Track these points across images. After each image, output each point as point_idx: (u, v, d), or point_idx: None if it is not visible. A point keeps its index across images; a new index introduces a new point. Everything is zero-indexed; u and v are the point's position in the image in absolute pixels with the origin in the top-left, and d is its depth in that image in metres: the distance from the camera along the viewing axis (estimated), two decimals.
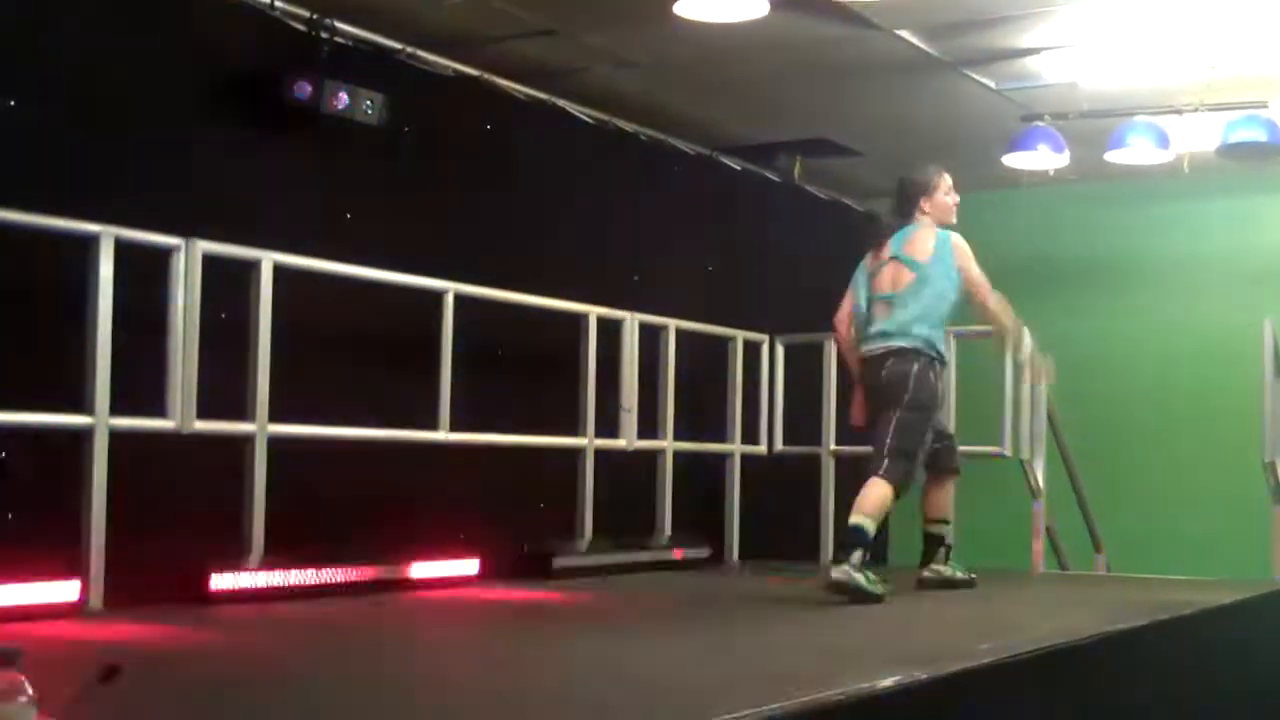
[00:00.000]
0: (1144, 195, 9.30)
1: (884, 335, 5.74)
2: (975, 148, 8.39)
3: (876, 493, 5.50)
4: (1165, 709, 4.94)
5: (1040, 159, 7.74)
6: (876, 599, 5.34)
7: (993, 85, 7.36)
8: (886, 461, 5.55)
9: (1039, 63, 7.01)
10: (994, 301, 5.97)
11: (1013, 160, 7.87)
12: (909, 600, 5.71)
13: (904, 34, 6.61)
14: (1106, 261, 9.58)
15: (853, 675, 3.33)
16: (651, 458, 7.46)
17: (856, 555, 5.37)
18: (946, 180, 6.10)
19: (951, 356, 7.45)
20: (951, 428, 6.76)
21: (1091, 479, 8.22)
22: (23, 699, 2.11)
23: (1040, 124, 7.63)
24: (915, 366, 5.69)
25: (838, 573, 5.38)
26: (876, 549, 5.87)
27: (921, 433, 5.67)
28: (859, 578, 5.33)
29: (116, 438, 4.85)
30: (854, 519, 5.46)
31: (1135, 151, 7.53)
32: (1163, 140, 7.39)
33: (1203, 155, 7.63)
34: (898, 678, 3.35)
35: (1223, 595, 5.75)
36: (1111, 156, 7.65)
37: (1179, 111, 7.34)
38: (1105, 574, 7.98)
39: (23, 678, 2.13)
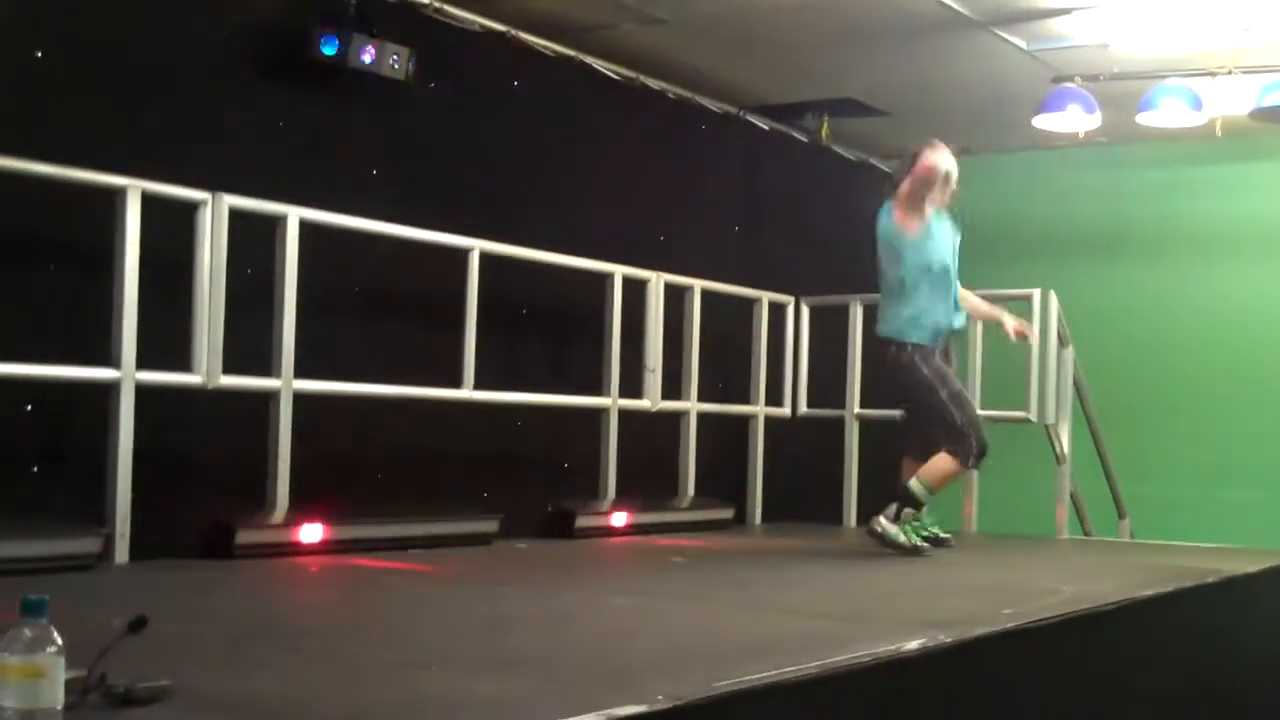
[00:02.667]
0: (1175, 158, 9.20)
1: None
2: (1005, 109, 8.33)
3: (937, 463, 5.86)
4: (1189, 675, 4.93)
5: (1070, 120, 7.65)
6: (908, 551, 5.73)
7: (1023, 45, 7.28)
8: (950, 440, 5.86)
9: (1070, 23, 6.93)
10: None
11: (1043, 122, 7.80)
12: (934, 565, 5.71)
13: None
14: (1136, 225, 9.49)
15: (877, 639, 3.33)
16: (675, 419, 7.46)
17: (892, 508, 5.81)
18: (944, 164, 6.01)
19: (977, 321, 7.45)
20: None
21: (1117, 445, 8.18)
22: (51, 649, 2.12)
23: (1071, 85, 7.55)
24: (901, 358, 5.94)
25: (873, 522, 5.84)
26: None
27: (960, 407, 5.88)
28: (891, 528, 5.75)
29: (143, 392, 4.86)
30: (909, 481, 5.88)
31: (1167, 114, 7.44)
32: (1195, 103, 7.30)
33: (1236, 118, 7.54)
34: (922, 641, 3.35)
35: (1248, 563, 5.73)
36: (1143, 119, 7.56)
37: (1212, 74, 7.25)
38: (1129, 540, 7.96)
39: (51, 628, 2.13)
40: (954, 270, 6.10)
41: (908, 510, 5.83)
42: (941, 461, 5.85)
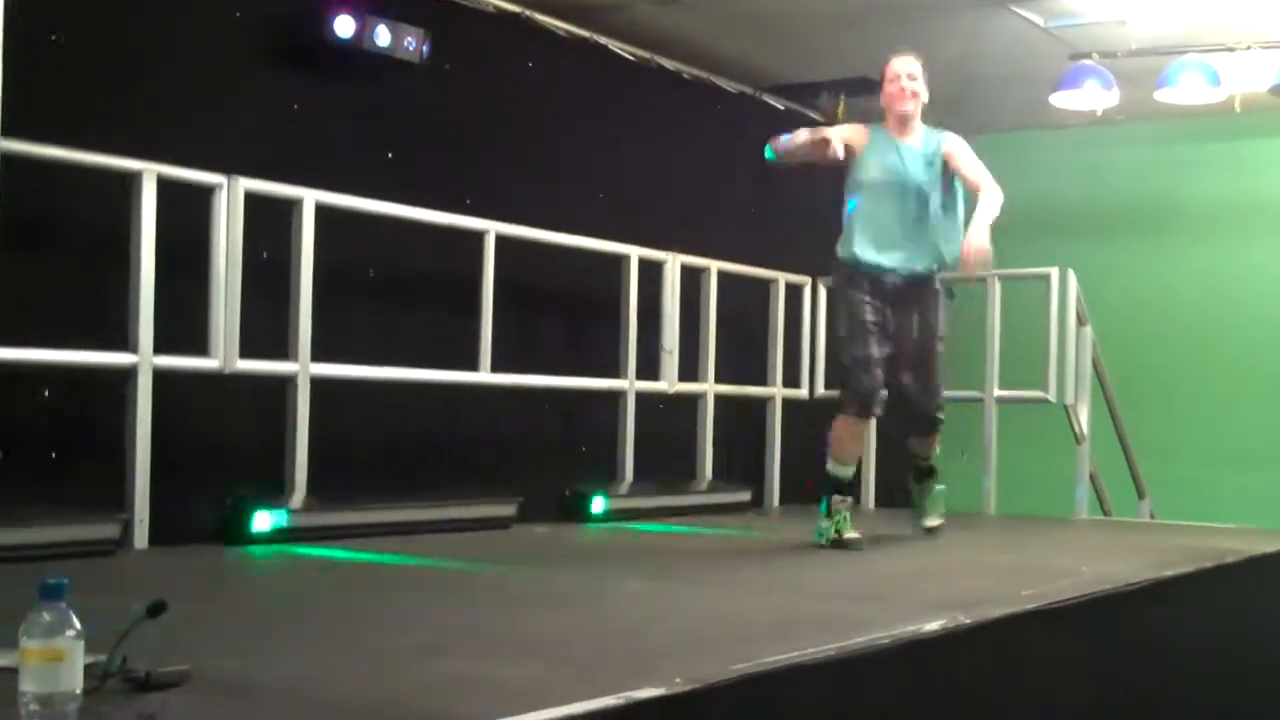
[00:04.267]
0: (1194, 135, 9.14)
1: None
2: (1023, 86, 8.27)
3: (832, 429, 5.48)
4: (1210, 655, 4.91)
5: (1088, 98, 7.60)
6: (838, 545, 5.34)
7: (1041, 22, 7.23)
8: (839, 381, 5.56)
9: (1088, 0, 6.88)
10: None
11: (1060, 99, 7.75)
12: (951, 547, 5.69)
13: None
14: (1155, 203, 9.43)
15: (897, 620, 3.32)
16: (692, 401, 7.44)
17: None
18: (891, 66, 5.46)
19: (996, 301, 7.42)
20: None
21: (1136, 425, 8.14)
22: (70, 633, 2.12)
23: (1088, 62, 7.50)
24: (832, 278, 5.59)
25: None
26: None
27: (841, 355, 5.43)
28: (822, 524, 5.41)
29: (160, 377, 4.86)
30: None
31: (1186, 90, 7.39)
32: (1214, 79, 7.25)
33: (1255, 94, 7.49)
34: (942, 622, 3.33)
35: (1267, 544, 5.69)
36: (1161, 95, 7.52)
37: (1230, 49, 7.20)
38: (1149, 521, 7.93)
39: (70, 612, 2.13)
40: (907, 202, 5.38)
41: (835, 497, 5.38)
42: (834, 423, 5.43)
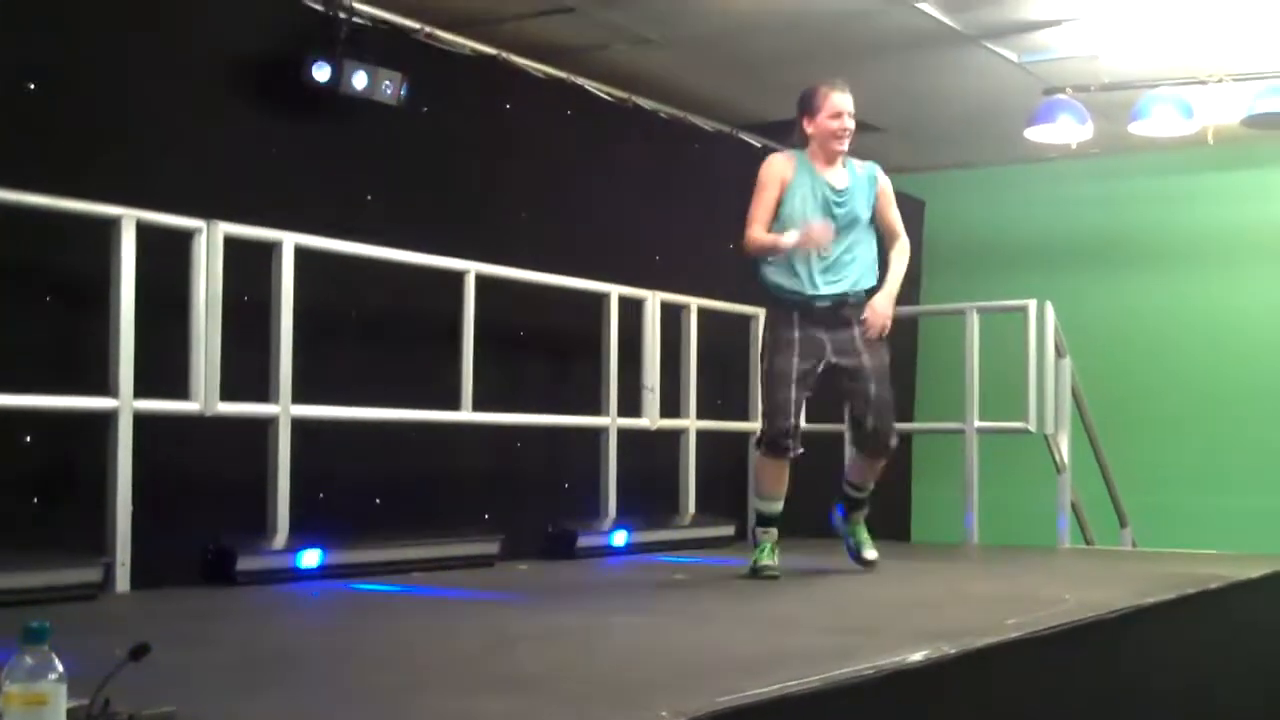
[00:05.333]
0: (1168, 167, 9.23)
1: None
2: (997, 121, 8.36)
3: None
4: (1194, 682, 4.92)
5: (1062, 132, 7.68)
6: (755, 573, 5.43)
7: (1014, 58, 7.31)
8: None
9: (1060, 35, 6.96)
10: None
11: (1035, 134, 7.82)
12: (935, 577, 5.70)
13: (924, 7, 6.57)
14: (1131, 235, 9.51)
15: (882, 651, 3.32)
16: (674, 437, 7.45)
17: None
18: (833, 100, 5.42)
19: (974, 333, 7.46)
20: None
21: (1116, 454, 8.18)
22: (53, 676, 2.11)
23: (1062, 96, 7.58)
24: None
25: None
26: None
27: (767, 387, 5.43)
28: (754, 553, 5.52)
29: (141, 420, 4.86)
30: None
31: (1159, 123, 7.47)
32: (1187, 111, 7.33)
33: (1227, 126, 7.57)
34: (927, 652, 3.34)
35: (1249, 569, 5.72)
36: (1135, 128, 7.60)
37: (1202, 82, 7.28)
38: (1131, 549, 7.95)
39: (53, 655, 2.12)
40: (836, 233, 5.35)
41: (759, 529, 5.50)
42: (756, 461, 5.59)
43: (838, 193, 5.40)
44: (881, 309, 5.42)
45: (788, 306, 5.39)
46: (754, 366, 7.92)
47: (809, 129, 5.44)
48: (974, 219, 10.04)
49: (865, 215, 5.48)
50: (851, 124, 5.44)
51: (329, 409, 5.62)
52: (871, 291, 5.49)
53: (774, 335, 5.43)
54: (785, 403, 5.35)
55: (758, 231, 5.38)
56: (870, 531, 5.84)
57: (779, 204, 5.38)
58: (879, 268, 5.53)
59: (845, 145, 5.44)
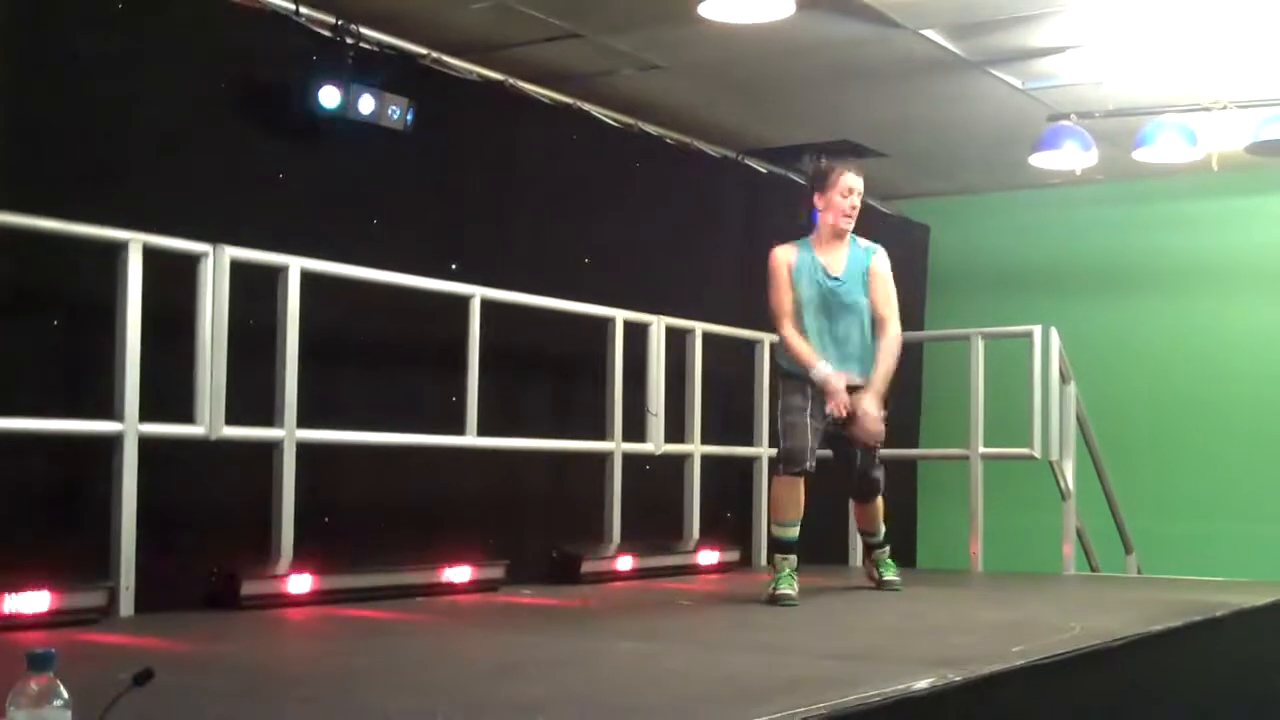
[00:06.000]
0: (1173, 194, 9.24)
1: None
2: (1001, 148, 8.37)
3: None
4: (1201, 710, 4.90)
5: (1067, 158, 7.69)
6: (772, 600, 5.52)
7: (1018, 84, 7.32)
8: None
9: (1064, 61, 6.97)
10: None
11: (1039, 160, 7.83)
12: (940, 604, 5.68)
13: (929, 34, 6.58)
14: (1136, 261, 9.52)
15: (887, 678, 3.31)
16: (679, 462, 7.45)
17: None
18: (846, 179, 5.63)
19: (979, 359, 7.47)
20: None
21: (1121, 481, 8.18)
22: (58, 702, 2.11)
23: (1066, 123, 7.59)
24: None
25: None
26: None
27: (784, 420, 5.64)
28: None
29: (145, 444, 4.86)
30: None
31: (1163, 149, 7.48)
32: (1191, 138, 7.35)
33: (1232, 153, 7.58)
34: (932, 680, 3.33)
35: (1256, 596, 5.70)
36: (1139, 155, 7.61)
37: (1207, 109, 7.30)
38: (1137, 576, 7.93)
39: (58, 682, 2.12)
40: (836, 317, 5.62)
41: (777, 556, 5.64)
42: (771, 486, 5.77)
43: (834, 279, 5.64)
44: (872, 418, 5.58)
45: (799, 381, 5.63)
46: (758, 392, 7.93)
47: (819, 203, 5.67)
48: (979, 245, 10.06)
49: (864, 299, 5.68)
50: (859, 203, 5.66)
51: (334, 433, 5.63)
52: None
53: (785, 400, 5.67)
54: (803, 427, 5.55)
55: (792, 333, 5.62)
56: (894, 559, 6.16)
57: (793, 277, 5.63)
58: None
59: (850, 226, 5.66)
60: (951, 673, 3.43)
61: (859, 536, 6.17)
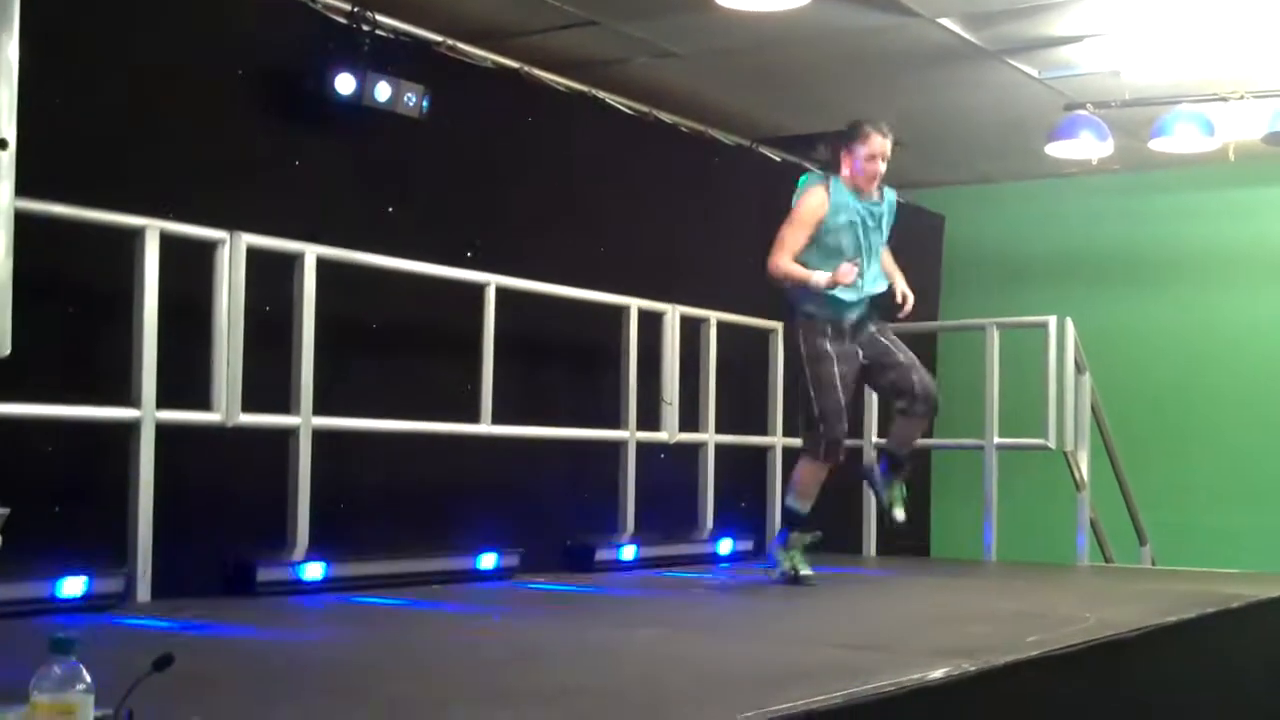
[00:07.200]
0: (1189, 184, 9.21)
1: None
2: (1017, 137, 8.35)
3: (797, 468, 5.79)
4: (1215, 701, 4.90)
5: (1083, 148, 7.66)
6: (790, 579, 5.66)
7: (1035, 74, 7.30)
8: (804, 428, 5.78)
9: (1081, 51, 6.95)
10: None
11: (1056, 149, 7.81)
12: (955, 594, 5.68)
13: (945, 22, 6.57)
14: (1152, 251, 9.49)
15: (903, 667, 3.32)
16: (694, 450, 7.45)
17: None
18: (875, 141, 5.67)
19: (994, 349, 7.45)
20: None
21: (1136, 471, 8.16)
22: (81, 687, 2.13)
23: (1083, 112, 7.56)
24: (792, 330, 5.80)
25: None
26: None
27: (811, 404, 5.63)
28: (780, 554, 5.75)
29: (162, 430, 4.87)
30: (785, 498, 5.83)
31: (1180, 139, 7.45)
32: (1208, 128, 7.32)
33: (1249, 143, 7.55)
34: (947, 670, 3.33)
35: (1272, 588, 5.69)
36: (1156, 145, 7.58)
37: (1224, 99, 7.27)
38: (1151, 567, 7.92)
39: (81, 666, 2.13)
40: (863, 244, 5.69)
41: (794, 533, 5.69)
42: (799, 465, 5.78)
43: (875, 204, 5.76)
44: (907, 289, 5.83)
45: (820, 322, 5.65)
46: (773, 381, 7.93)
47: (844, 158, 5.70)
48: (994, 234, 10.04)
49: (886, 231, 5.87)
50: (883, 168, 5.73)
51: (350, 420, 5.64)
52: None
53: (810, 349, 5.65)
54: (839, 407, 5.62)
55: (787, 261, 5.62)
56: (905, 491, 6.06)
57: (822, 223, 5.64)
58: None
59: (872, 187, 5.74)
60: (967, 663, 3.44)
61: (889, 449, 6.00)
